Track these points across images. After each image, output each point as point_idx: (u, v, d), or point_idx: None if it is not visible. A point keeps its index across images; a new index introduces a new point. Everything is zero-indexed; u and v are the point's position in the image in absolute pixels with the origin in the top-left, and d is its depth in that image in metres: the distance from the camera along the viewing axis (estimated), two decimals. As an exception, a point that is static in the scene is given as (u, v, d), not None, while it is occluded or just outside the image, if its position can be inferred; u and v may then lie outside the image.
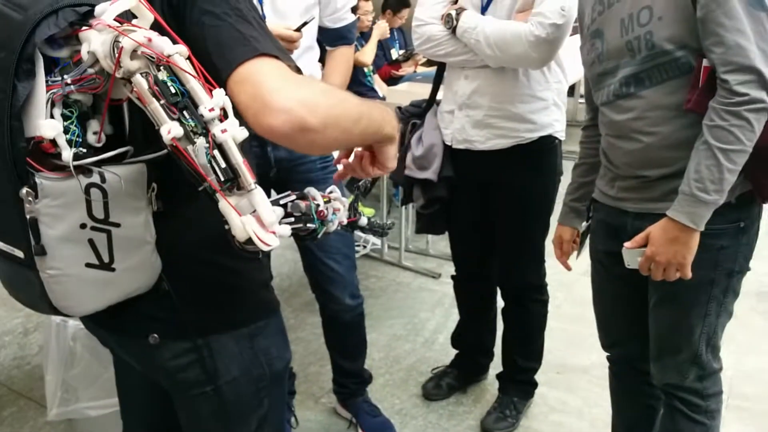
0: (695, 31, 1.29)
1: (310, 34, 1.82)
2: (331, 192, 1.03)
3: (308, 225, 0.92)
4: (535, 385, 2.30)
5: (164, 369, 1.06)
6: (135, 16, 0.80)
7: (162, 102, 0.76)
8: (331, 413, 2.31)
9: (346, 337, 2.11)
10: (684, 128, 1.36)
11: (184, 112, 0.76)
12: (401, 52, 4.74)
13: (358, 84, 4.10)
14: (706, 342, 1.48)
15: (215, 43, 0.83)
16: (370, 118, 0.91)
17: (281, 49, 0.86)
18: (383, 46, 4.72)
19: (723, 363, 1.55)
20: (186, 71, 0.76)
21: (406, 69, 4.74)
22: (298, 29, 1.68)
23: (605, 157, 1.54)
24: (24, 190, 0.81)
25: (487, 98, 1.87)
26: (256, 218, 0.78)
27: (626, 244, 1.41)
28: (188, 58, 0.78)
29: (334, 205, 1.01)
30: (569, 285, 3.07)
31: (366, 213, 1.14)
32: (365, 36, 4.58)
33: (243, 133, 0.77)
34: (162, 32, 0.79)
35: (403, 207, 3.45)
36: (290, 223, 0.89)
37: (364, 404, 2.21)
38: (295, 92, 0.79)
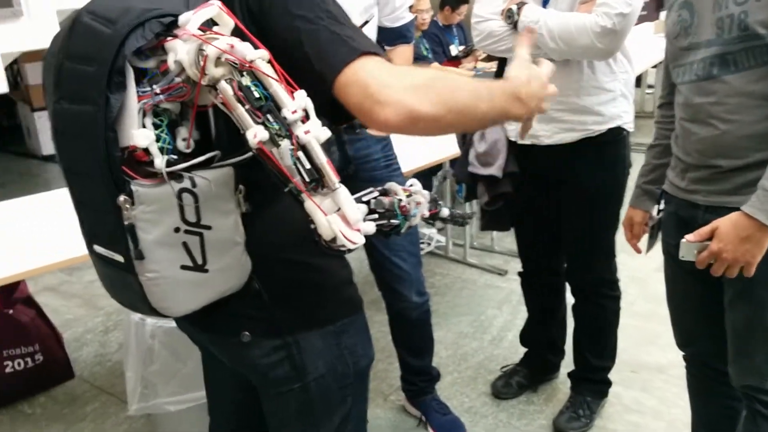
0: None
1: (371, 33, 1.83)
2: (411, 185, 1.03)
3: (392, 221, 0.93)
4: (609, 384, 2.24)
5: (255, 366, 1.08)
6: (216, 24, 0.82)
7: (247, 107, 0.78)
8: (400, 411, 2.32)
9: (413, 334, 2.11)
10: (765, 120, 1.30)
11: (268, 116, 0.78)
12: (461, 48, 4.71)
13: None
14: None
15: (314, 48, 0.85)
16: (492, 104, 0.91)
17: (375, 45, 0.88)
18: (442, 42, 4.69)
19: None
20: (268, 75, 0.78)
21: (466, 65, 4.69)
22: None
23: (677, 145, 1.49)
24: (121, 198, 0.84)
25: None
26: (341, 216, 0.80)
27: (688, 237, 1.34)
28: (269, 61, 0.80)
29: (415, 198, 1.01)
30: (642, 281, 2.98)
31: None
32: (426, 35, 4.55)
33: (326, 133, 0.79)
34: (243, 38, 0.81)
35: (467, 203, 3.43)
36: (374, 220, 0.90)
37: (434, 402, 2.21)
38: (402, 84, 0.82)
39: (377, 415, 2.28)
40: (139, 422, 2.28)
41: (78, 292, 3.27)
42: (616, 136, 1.88)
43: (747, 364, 1.46)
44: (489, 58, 4.61)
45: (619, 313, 2.14)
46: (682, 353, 1.71)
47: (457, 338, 2.74)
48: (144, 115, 0.83)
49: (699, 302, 1.57)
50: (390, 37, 1.94)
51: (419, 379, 2.19)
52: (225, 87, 0.78)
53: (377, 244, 1.94)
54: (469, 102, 0.88)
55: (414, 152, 2.51)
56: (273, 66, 0.79)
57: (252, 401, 1.17)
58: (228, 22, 0.81)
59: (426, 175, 3.80)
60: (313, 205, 0.79)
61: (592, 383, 2.22)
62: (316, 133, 0.78)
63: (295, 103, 0.78)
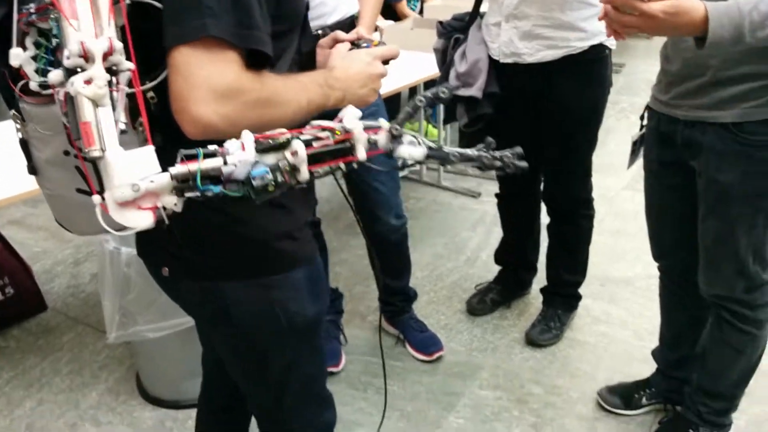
0: None
1: None
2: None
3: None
4: (579, 297, 2.32)
5: (183, 303, 1.09)
6: None
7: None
8: (378, 330, 2.36)
9: (391, 256, 2.13)
10: None
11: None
12: None
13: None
14: (753, 254, 1.46)
15: (169, 4, 0.79)
16: (310, 106, 0.89)
17: (247, 25, 0.81)
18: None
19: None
20: (64, 12, 0.70)
21: None
22: None
23: (665, 55, 1.48)
24: (11, 113, 0.84)
25: (535, 7, 1.80)
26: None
27: None
28: None
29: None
30: (611, 199, 3.04)
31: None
32: None
33: (100, 92, 0.70)
34: None
35: (446, 126, 3.42)
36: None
37: (411, 320, 2.26)
38: (217, 107, 0.78)
39: (356, 335, 2.33)
40: (118, 350, 2.28)
41: (44, 224, 3.19)
42: (599, 54, 1.86)
43: (715, 274, 1.53)
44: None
45: (592, 230, 2.19)
46: (656, 264, 1.77)
47: (432, 259, 2.79)
48: (26, 35, 0.77)
49: (675, 216, 1.61)
50: None
51: (397, 299, 2.23)
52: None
53: (356, 168, 1.91)
54: (285, 116, 0.85)
55: (388, 74, 2.45)
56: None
57: None
58: None
59: (393, 100, 3.71)
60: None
61: (564, 297, 2.30)
62: (78, 87, 0.68)
63: (69, 47, 0.68)
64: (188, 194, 0.71)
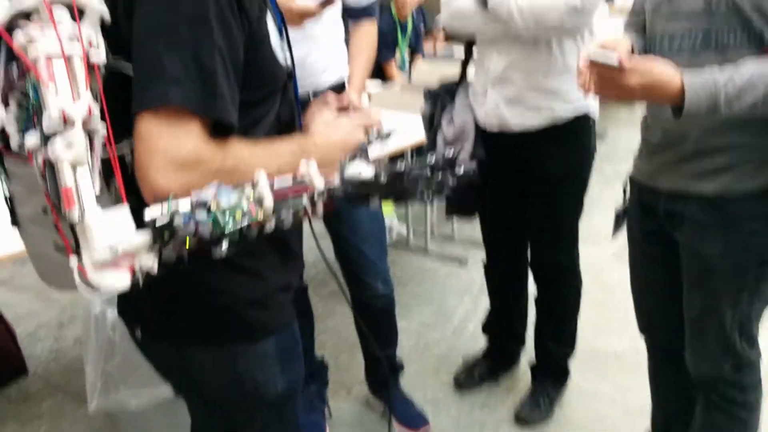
0: None
1: (335, 9, 1.80)
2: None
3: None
4: (568, 372, 2.28)
5: (154, 364, 1.08)
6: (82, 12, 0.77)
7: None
8: (363, 403, 2.32)
9: (378, 324, 2.09)
10: None
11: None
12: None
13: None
14: (739, 330, 1.44)
15: (137, 67, 0.81)
16: (280, 174, 0.86)
17: (211, 93, 0.81)
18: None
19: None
20: (41, 78, 0.71)
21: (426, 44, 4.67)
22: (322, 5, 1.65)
23: (645, 127, 1.49)
24: None
25: (520, 73, 1.84)
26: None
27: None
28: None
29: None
30: (597, 269, 3.04)
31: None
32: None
33: (80, 156, 0.71)
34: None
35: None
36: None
37: (397, 393, 2.21)
38: (176, 177, 0.79)
39: (341, 408, 2.28)
40: (98, 421, 2.22)
41: (31, 285, 3.16)
42: (584, 124, 1.90)
43: (701, 351, 1.50)
44: (446, 39, 4.58)
45: (580, 300, 2.19)
46: (642, 337, 1.74)
47: (419, 328, 2.76)
48: (9, 93, 0.78)
49: (660, 289, 1.60)
50: (354, 13, 1.90)
51: (383, 370, 2.19)
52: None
53: (343, 232, 1.92)
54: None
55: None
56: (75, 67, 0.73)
57: None
58: (94, 10, 0.76)
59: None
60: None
61: (552, 372, 2.27)
62: (59, 152, 0.70)
63: (51, 112, 0.70)
64: (159, 223, 0.72)
